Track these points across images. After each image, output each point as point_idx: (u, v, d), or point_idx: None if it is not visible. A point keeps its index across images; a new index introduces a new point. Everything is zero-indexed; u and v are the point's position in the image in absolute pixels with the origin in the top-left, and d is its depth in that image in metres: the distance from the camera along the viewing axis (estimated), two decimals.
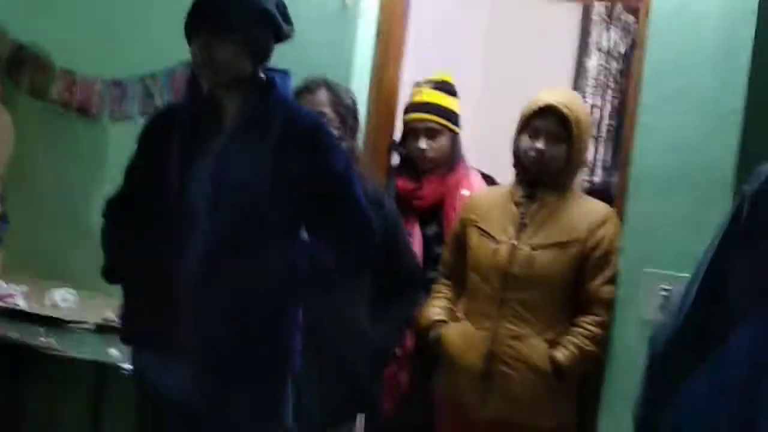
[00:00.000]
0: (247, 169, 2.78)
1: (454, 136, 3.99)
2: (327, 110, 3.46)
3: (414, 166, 3.97)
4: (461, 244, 3.58)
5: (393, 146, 4.12)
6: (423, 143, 3.93)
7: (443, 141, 3.95)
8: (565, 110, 3.42)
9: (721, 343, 2.09)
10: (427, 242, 3.86)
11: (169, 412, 2.91)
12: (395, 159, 4.12)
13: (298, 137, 2.81)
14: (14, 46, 4.63)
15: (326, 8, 4.01)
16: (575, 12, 6.54)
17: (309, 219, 2.88)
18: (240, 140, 2.82)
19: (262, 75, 2.87)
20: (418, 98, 4.01)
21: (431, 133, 3.94)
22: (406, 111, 4.04)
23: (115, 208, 3.03)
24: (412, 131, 3.98)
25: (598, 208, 3.48)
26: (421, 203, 3.89)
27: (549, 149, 3.43)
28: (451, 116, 3.98)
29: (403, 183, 3.96)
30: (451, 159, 3.96)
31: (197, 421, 2.88)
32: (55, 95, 4.57)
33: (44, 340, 3.75)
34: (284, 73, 2.92)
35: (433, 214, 3.91)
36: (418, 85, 4.06)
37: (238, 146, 2.81)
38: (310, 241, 2.89)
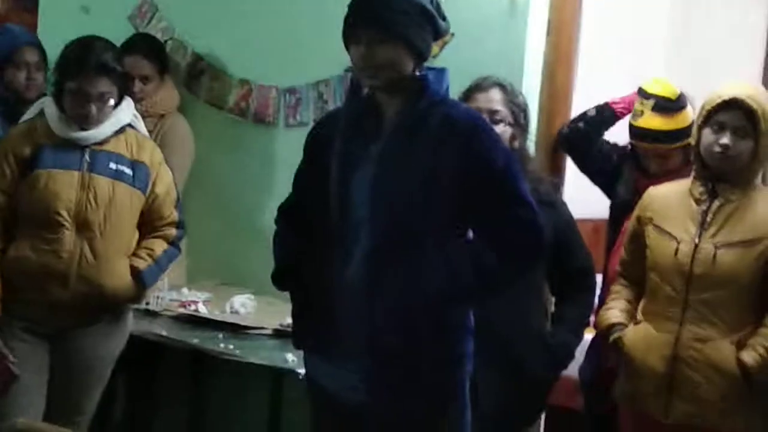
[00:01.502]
0: (406, 171, 2.76)
1: (688, 146, 3.85)
2: (501, 108, 3.41)
3: None
4: (639, 243, 3.46)
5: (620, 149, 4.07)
6: (652, 166, 3.90)
7: (675, 159, 3.89)
8: (752, 104, 3.26)
9: None
10: None
11: (341, 417, 2.92)
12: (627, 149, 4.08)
13: (456, 135, 2.76)
14: (193, 57, 4.75)
15: (495, 7, 3.95)
16: (764, 1, 6.31)
17: (472, 218, 2.83)
18: (399, 143, 2.79)
19: (418, 74, 2.82)
20: (640, 122, 3.92)
21: (659, 157, 3.89)
22: (631, 132, 3.97)
23: (285, 215, 3.07)
24: (640, 152, 3.95)
25: None
26: None
27: (735, 144, 3.28)
28: (679, 135, 3.87)
29: (639, 179, 3.92)
30: (687, 163, 3.83)
31: (370, 426, 2.88)
32: (232, 104, 4.67)
33: (223, 345, 3.83)
34: (440, 70, 2.87)
35: None
36: (641, 96, 3.95)
37: (397, 149, 2.79)
38: (474, 239, 2.85)
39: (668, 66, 5.70)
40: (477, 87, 3.45)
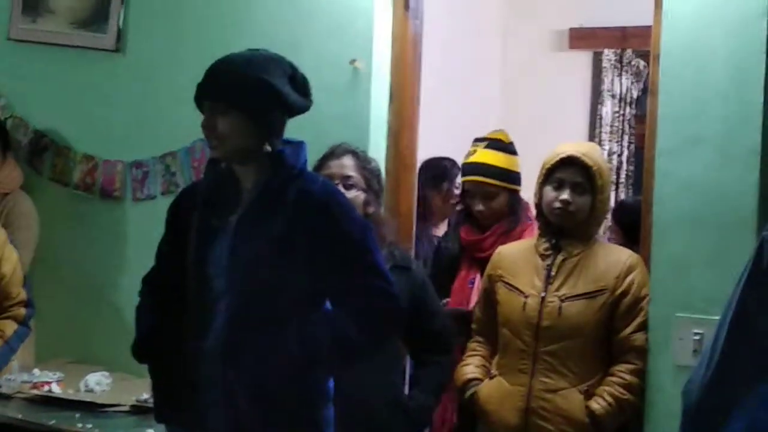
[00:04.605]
0: (263, 243, 2.78)
1: (513, 193, 4.00)
2: (353, 174, 3.45)
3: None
4: (491, 300, 3.57)
5: (458, 199, 4.17)
6: (479, 205, 3.99)
7: (500, 201, 3.99)
8: (587, 161, 3.42)
9: (755, 384, 2.07)
10: None
11: None
12: (459, 208, 4.20)
13: (312, 208, 2.80)
14: (35, 134, 4.69)
15: (338, 76, 4.03)
16: (586, 60, 6.60)
17: (329, 289, 2.86)
18: (255, 215, 2.82)
19: (274, 148, 2.85)
20: (472, 158, 4.04)
21: (487, 195, 3.99)
22: (463, 170, 4.08)
23: (148, 286, 3.07)
24: (469, 191, 4.03)
25: (624, 255, 3.46)
26: (482, 255, 3.90)
27: (575, 200, 3.43)
28: (507, 176, 4.01)
29: (467, 233, 4.03)
30: (512, 215, 3.98)
31: None
32: (77, 180, 4.62)
33: (81, 425, 3.76)
34: (298, 143, 2.92)
35: None
36: (475, 142, 4.08)
37: (254, 221, 2.82)
38: (333, 311, 2.87)
39: (503, 119, 5.93)
40: (330, 154, 3.50)
